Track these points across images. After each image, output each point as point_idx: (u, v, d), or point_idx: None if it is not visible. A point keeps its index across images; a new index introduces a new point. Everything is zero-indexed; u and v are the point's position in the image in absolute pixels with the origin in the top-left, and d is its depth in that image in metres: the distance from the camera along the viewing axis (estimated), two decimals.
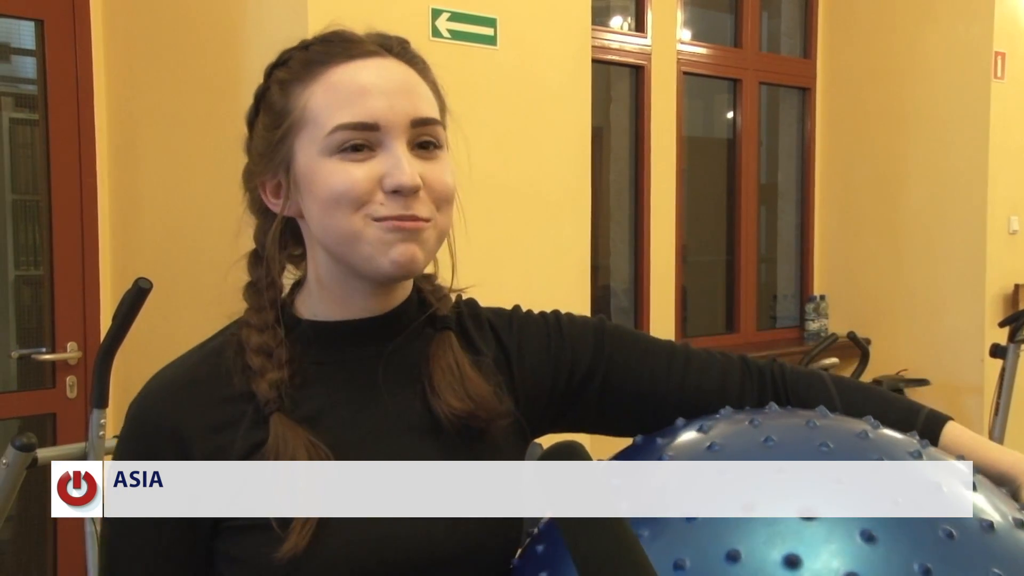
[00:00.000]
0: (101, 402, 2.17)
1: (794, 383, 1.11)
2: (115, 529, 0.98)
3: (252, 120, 1.03)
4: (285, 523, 0.91)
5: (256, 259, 1.04)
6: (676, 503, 0.85)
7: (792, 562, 0.77)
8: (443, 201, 0.98)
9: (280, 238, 1.01)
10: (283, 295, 1.04)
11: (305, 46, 1.00)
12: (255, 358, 0.97)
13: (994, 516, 0.83)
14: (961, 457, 0.95)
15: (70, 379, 2.99)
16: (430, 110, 0.98)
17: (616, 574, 0.69)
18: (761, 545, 0.79)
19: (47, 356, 2.97)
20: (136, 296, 2.01)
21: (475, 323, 1.09)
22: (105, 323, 2.91)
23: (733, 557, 0.78)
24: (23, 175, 3.07)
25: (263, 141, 0.99)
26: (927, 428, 1.04)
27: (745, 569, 0.78)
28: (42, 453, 2.11)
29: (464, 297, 1.11)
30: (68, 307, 2.98)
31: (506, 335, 1.09)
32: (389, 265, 0.95)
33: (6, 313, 3.05)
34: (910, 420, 1.04)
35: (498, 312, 1.13)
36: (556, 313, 1.14)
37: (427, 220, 0.96)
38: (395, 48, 0.99)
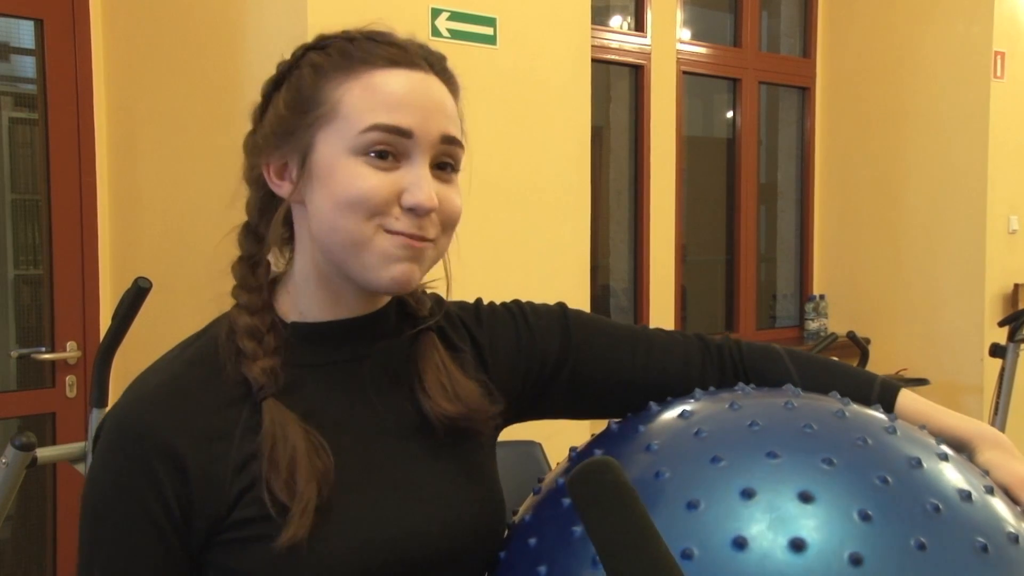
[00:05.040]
0: (101, 401, 2.17)
1: (751, 359, 1.13)
2: (104, 539, 0.95)
3: (270, 92, 1.00)
4: (284, 511, 0.90)
5: (248, 232, 1.03)
6: (675, 493, 0.85)
7: (798, 545, 0.79)
8: (449, 224, 0.98)
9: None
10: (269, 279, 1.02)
11: (349, 38, 0.98)
12: (246, 342, 0.96)
13: (969, 486, 0.87)
14: (922, 426, 0.99)
15: (70, 378, 2.99)
16: (458, 131, 0.99)
17: None
18: (766, 531, 0.80)
19: (47, 355, 2.97)
20: (135, 295, 2.02)
21: (447, 320, 1.09)
22: (105, 322, 2.91)
23: (740, 544, 0.80)
24: (23, 175, 3.07)
25: (282, 120, 0.97)
26: (882, 397, 1.07)
27: (753, 555, 0.79)
28: (42, 453, 2.12)
29: (428, 292, 1.11)
30: (68, 307, 2.98)
31: (477, 330, 1.10)
32: (386, 281, 0.95)
33: (6, 312, 3.05)
34: (865, 391, 1.07)
35: (463, 307, 1.13)
36: (519, 304, 1.14)
37: (432, 241, 0.97)
38: (436, 65, 0.99)
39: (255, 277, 1.00)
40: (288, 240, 1.03)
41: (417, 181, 0.94)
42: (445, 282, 1.09)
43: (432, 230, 0.96)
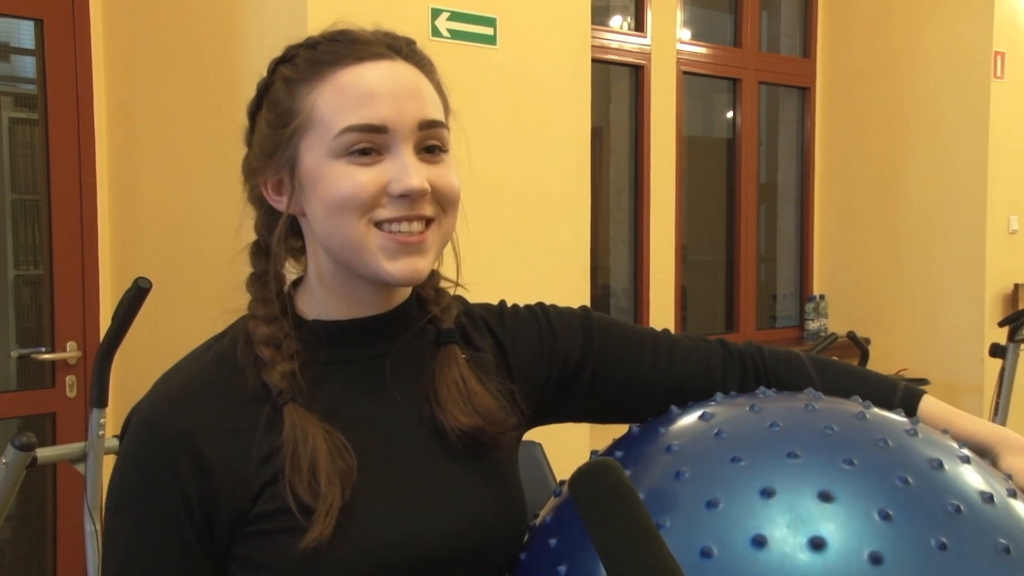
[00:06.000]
0: (101, 402, 2.17)
1: (774, 365, 1.13)
2: (125, 534, 0.96)
3: (254, 113, 1.02)
4: (308, 512, 0.91)
5: (258, 250, 1.04)
6: (695, 492, 0.86)
7: (817, 544, 0.79)
8: (449, 203, 0.98)
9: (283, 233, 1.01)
10: (286, 289, 1.03)
11: (312, 44, 0.99)
12: (264, 350, 0.97)
13: (991, 488, 0.87)
14: (944, 431, 0.99)
15: (70, 379, 2.99)
16: (436, 112, 0.99)
17: None
18: (785, 529, 0.80)
19: (47, 356, 2.97)
20: (135, 296, 2.02)
21: (470, 320, 1.10)
22: (105, 323, 2.91)
23: (759, 542, 0.80)
24: (23, 175, 3.07)
25: (267, 139, 0.99)
26: (905, 403, 1.07)
27: (772, 554, 0.79)
28: (42, 453, 2.12)
29: (453, 293, 1.11)
30: (68, 307, 2.98)
31: (500, 331, 1.11)
32: (394, 275, 0.96)
33: (6, 313, 3.05)
34: (888, 396, 1.07)
35: (487, 308, 1.14)
36: (542, 306, 1.15)
37: (431, 220, 0.97)
38: (403, 49, 0.99)
39: (268, 290, 1.01)
40: (301, 250, 1.04)
41: (404, 168, 0.94)
42: (456, 268, 1.09)
43: (429, 209, 0.96)
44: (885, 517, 0.80)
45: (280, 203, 1.00)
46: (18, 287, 3.06)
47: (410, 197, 0.94)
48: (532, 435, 1.22)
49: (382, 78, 0.96)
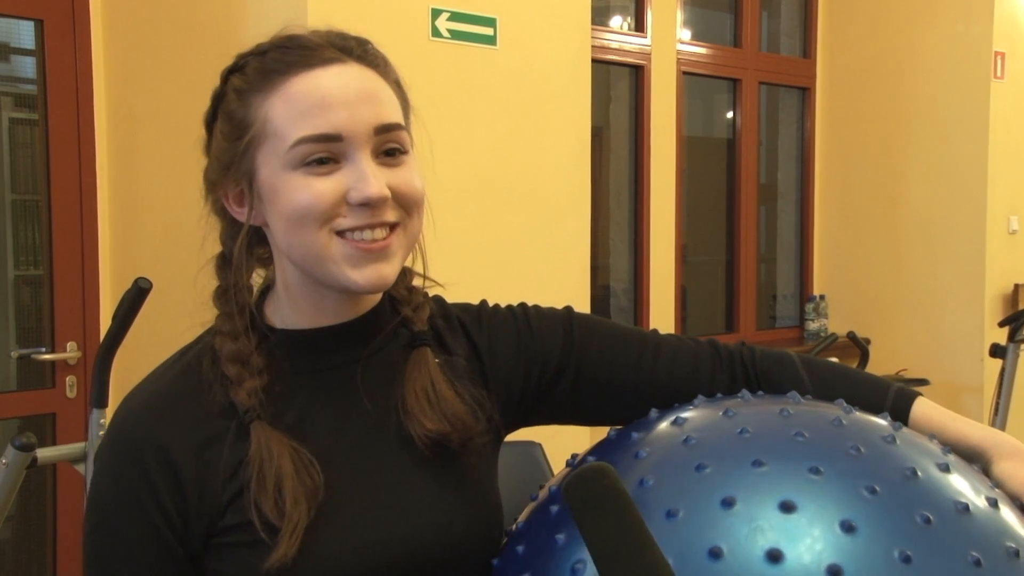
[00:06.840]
0: (101, 402, 2.17)
1: (764, 366, 1.10)
2: (100, 544, 0.95)
3: (210, 123, 1.01)
4: (273, 531, 0.90)
5: (223, 263, 1.02)
6: (656, 501, 0.84)
7: (774, 556, 0.77)
8: (413, 205, 0.96)
9: (247, 243, 1.00)
10: (253, 301, 1.02)
11: (261, 52, 0.98)
12: (231, 367, 0.96)
13: (968, 498, 0.84)
14: (933, 435, 0.96)
15: (70, 379, 2.99)
16: (393, 115, 0.96)
17: None
18: (743, 541, 0.78)
19: (47, 356, 2.97)
20: (136, 296, 2.02)
21: (446, 323, 1.08)
22: (105, 323, 2.91)
23: (715, 554, 0.78)
24: (23, 175, 3.07)
25: (224, 151, 0.97)
26: (896, 406, 1.04)
27: (728, 565, 0.78)
28: (42, 453, 2.12)
29: (431, 294, 1.10)
30: (68, 307, 2.98)
31: (476, 333, 1.09)
32: (360, 283, 0.94)
33: (6, 313, 3.05)
34: (879, 399, 1.04)
35: (466, 308, 1.11)
36: (524, 307, 1.13)
37: (396, 224, 0.95)
38: (355, 51, 0.97)
39: (232, 305, 0.99)
40: (269, 259, 1.03)
41: (361, 175, 0.92)
42: (423, 267, 1.07)
43: (391, 214, 0.94)
44: (848, 529, 0.78)
45: (241, 214, 0.98)
46: (18, 287, 3.06)
47: (370, 205, 0.92)
48: (532, 435, 1.21)
49: (333, 84, 0.93)
